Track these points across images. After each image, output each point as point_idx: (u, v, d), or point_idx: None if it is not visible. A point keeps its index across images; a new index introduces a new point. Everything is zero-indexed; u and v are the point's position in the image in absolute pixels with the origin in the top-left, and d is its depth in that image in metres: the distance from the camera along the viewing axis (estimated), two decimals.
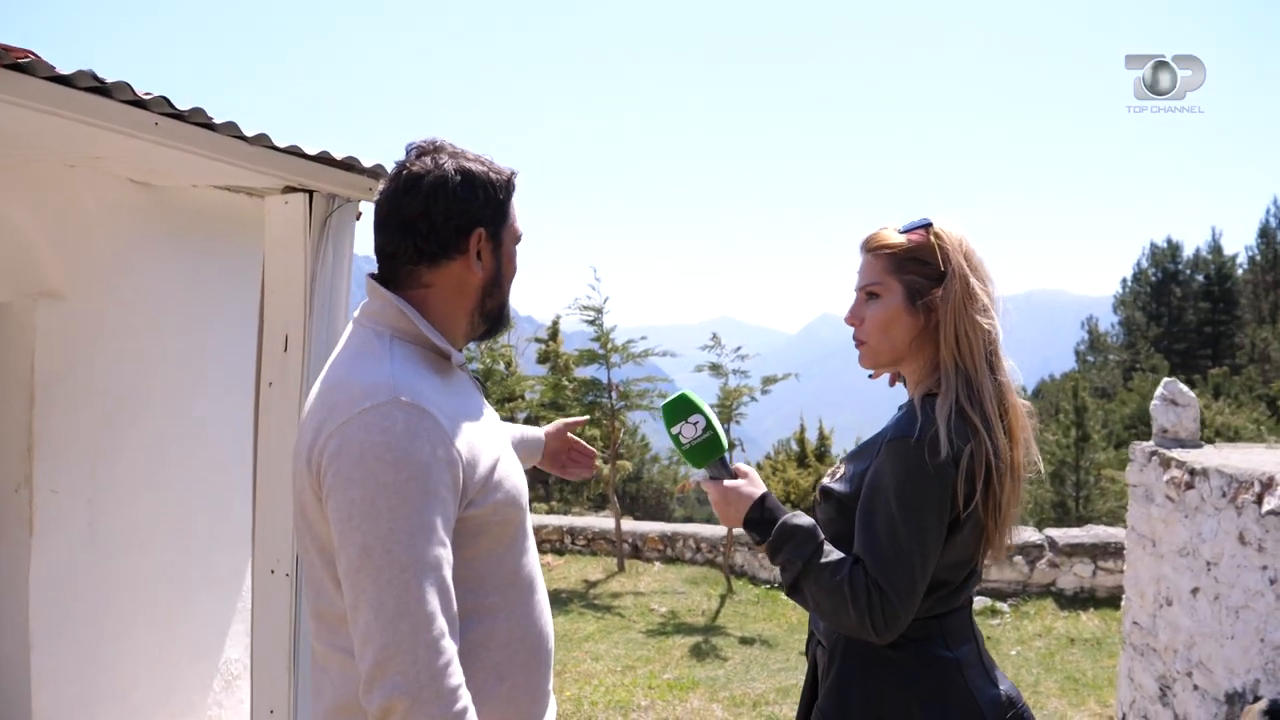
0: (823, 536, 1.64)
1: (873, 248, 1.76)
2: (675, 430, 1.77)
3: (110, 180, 3.31)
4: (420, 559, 1.28)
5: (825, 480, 1.79)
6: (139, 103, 2.37)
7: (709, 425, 1.75)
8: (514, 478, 1.53)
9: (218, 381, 3.77)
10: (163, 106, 2.41)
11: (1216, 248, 31.26)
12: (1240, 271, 30.87)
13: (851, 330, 1.81)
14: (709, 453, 1.77)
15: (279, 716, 2.86)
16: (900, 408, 1.76)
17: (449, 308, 1.54)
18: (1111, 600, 7.51)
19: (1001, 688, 1.68)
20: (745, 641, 7.10)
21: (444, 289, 1.53)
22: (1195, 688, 3.62)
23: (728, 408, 9.14)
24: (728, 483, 1.75)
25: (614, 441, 10.02)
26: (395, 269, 1.52)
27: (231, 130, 2.60)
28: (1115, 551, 7.70)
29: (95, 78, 2.20)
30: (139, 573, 3.47)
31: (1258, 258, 30.48)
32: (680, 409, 1.77)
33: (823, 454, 18.70)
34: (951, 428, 1.57)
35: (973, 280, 1.67)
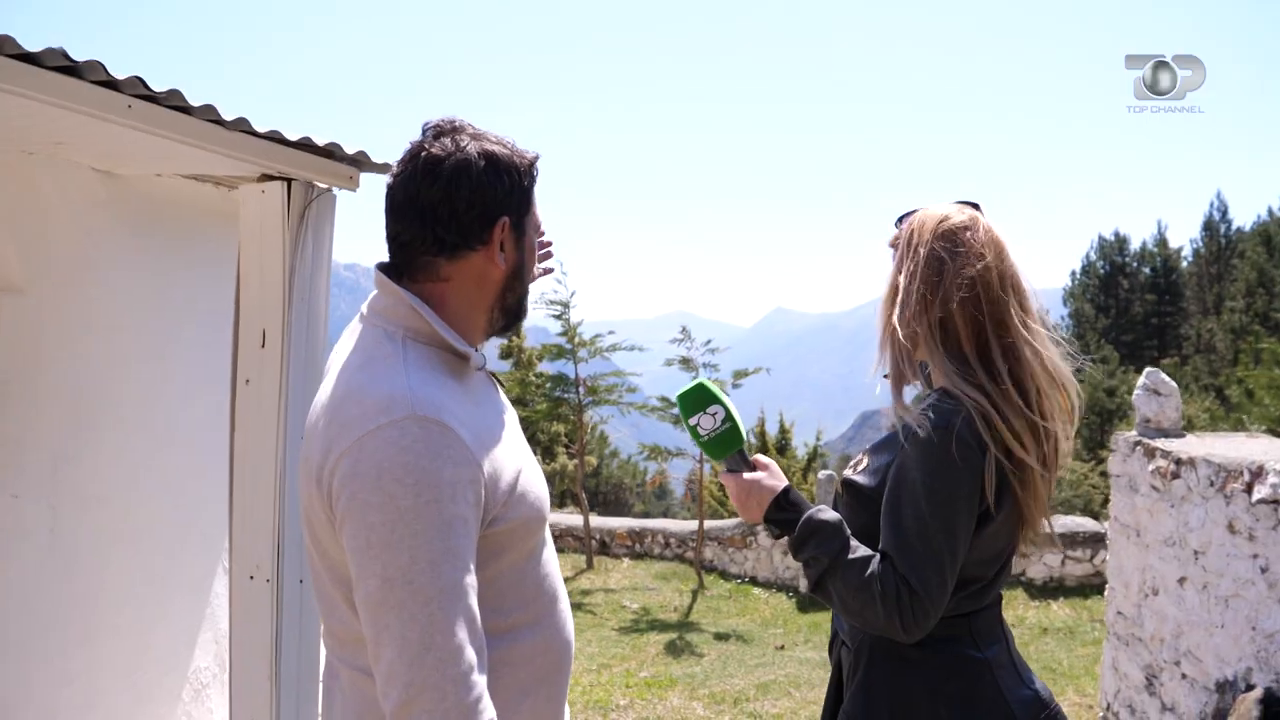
0: (848, 532, 1.57)
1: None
2: (693, 421, 1.68)
3: (71, 169, 3.14)
4: (445, 588, 1.19)
5: (847, 473, 1.73)
6: (111, 84, 2.24)
7: (729, 416, 1.67)
8: (536, 488, 1.43)
9: (187, 380, 3.62)
10: (137, 88, 2.28)
11: (1162, 240, 31.92)
12: (1185, 264, 31.57)
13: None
14: (728, 445, 1.69)
15: None
16: (925, 398, 1.70)
17: (467, 302, 1.42)
18: (1081, 589, 7.59)
19: (1034, 688, 1.63)
20: (720, 637, 7.06)
21: (463, 282, 1.41)
22: (1184, 677, 3.62)
23: None
24: (748, 475, 1.68)
25: (581, 437, 9.93)
26: (410, 259, 1.40)
27: (209, 114, 2.47)
28: (1083, 541, 7.78)
29: (66, 56, 2.08)
30: (105, 580, 3.31)
31: (1202, 250, 31.18)
32: (698, 399, 1.68)
33: (784, 446, 18.76)
34: (975, 416, 1.52)
35: (904, 267, 1.64)
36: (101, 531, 3.29)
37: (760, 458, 1.72)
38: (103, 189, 3.28)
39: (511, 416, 1.53)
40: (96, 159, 3.13)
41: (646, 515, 21.30)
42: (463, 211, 1.36)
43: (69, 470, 3.18)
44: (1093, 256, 32.75)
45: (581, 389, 9.64)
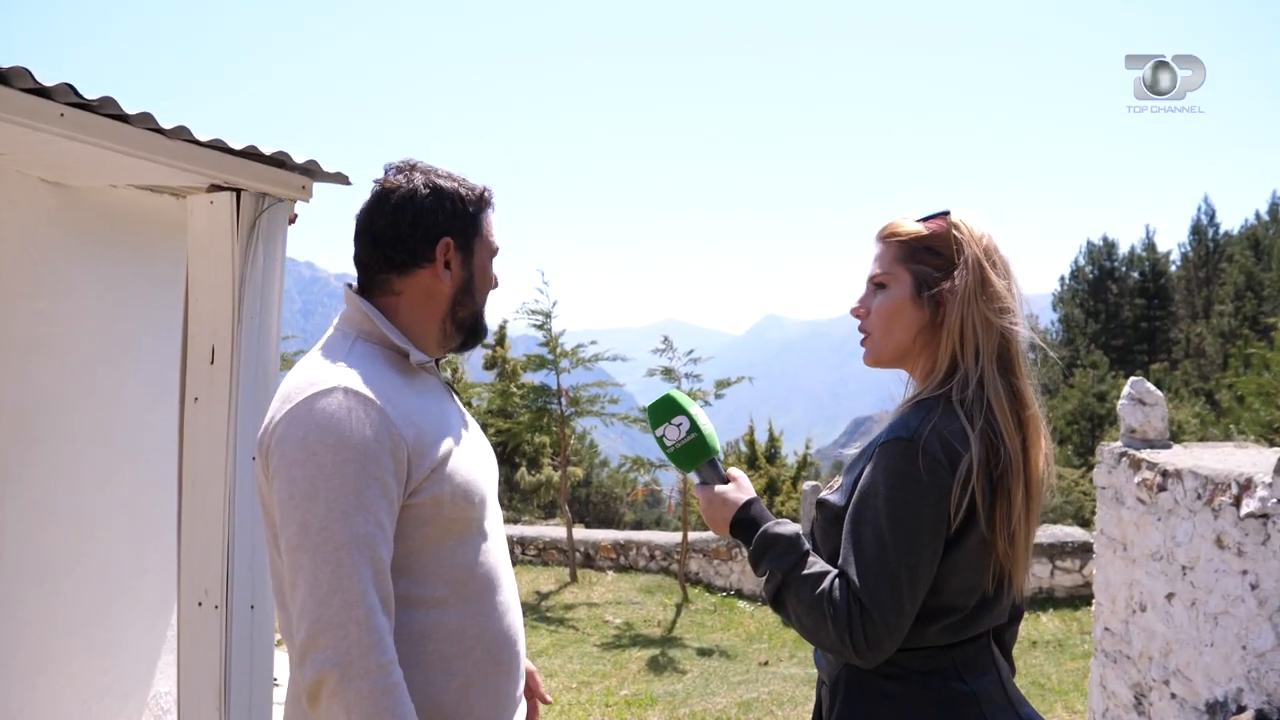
0: (807, 546, 1.49)
1: (885, 236, 1.62)
2: (659, 433, 1.66)
3: (18, 180, 3.04)
4: (356, 538, 1.32)
5: (823, 492, 1.63)
6: (41, 91, 2.13)
7: (694, 427, 1.63)
8: (471, 474, 1.54)
9: (143, 395, 3.50)
10: (68, 95, 2.18)
11: (1150, 245, 31.98)
12: (1173, 268, 31.62)
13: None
14: (695, 456, 1.65)
15: None
16: (900, 408, 1.59)
17: (419, 314, 1.60)
18: (1070, 601, 7.49)
19: None
20: (703, 653, 6.94)
21: (413, 296, 1.59)
22: (1173, 696, 3.52)
23: None
24: (716, 488, 1.62)
25: (564, 448, 9.81)
26: (369, 278, 1.60)
27: (147, 123, 2.37)
28: (1072, 551, 7.69)
29: None
30: (54, 605, 3.19)
31: (1190, 254, 31.25)
32: (665, 410, 1.66)
33: (773, 455, 18.64)
34: (951, 430, 1.43)
35: (990, 274, 1.52)
36: (54, 552, 3.18)
37: (732, 470, 1.67)
38: (53, 201, 3.18)
39: (461, 415, 1.66)
40: (45, 170, 3.02)
41: (638, 525, 21.13)
42: (407, 233, 1.56)
43: (15, 491, 3.06)
44: (1081, 261, 32.79)
45: (564, 399, 9.51)
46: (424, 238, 1.56)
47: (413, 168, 1.61)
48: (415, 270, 1.57)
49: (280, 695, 2.99)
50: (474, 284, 1.63)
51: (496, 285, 1.71)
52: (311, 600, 1.30)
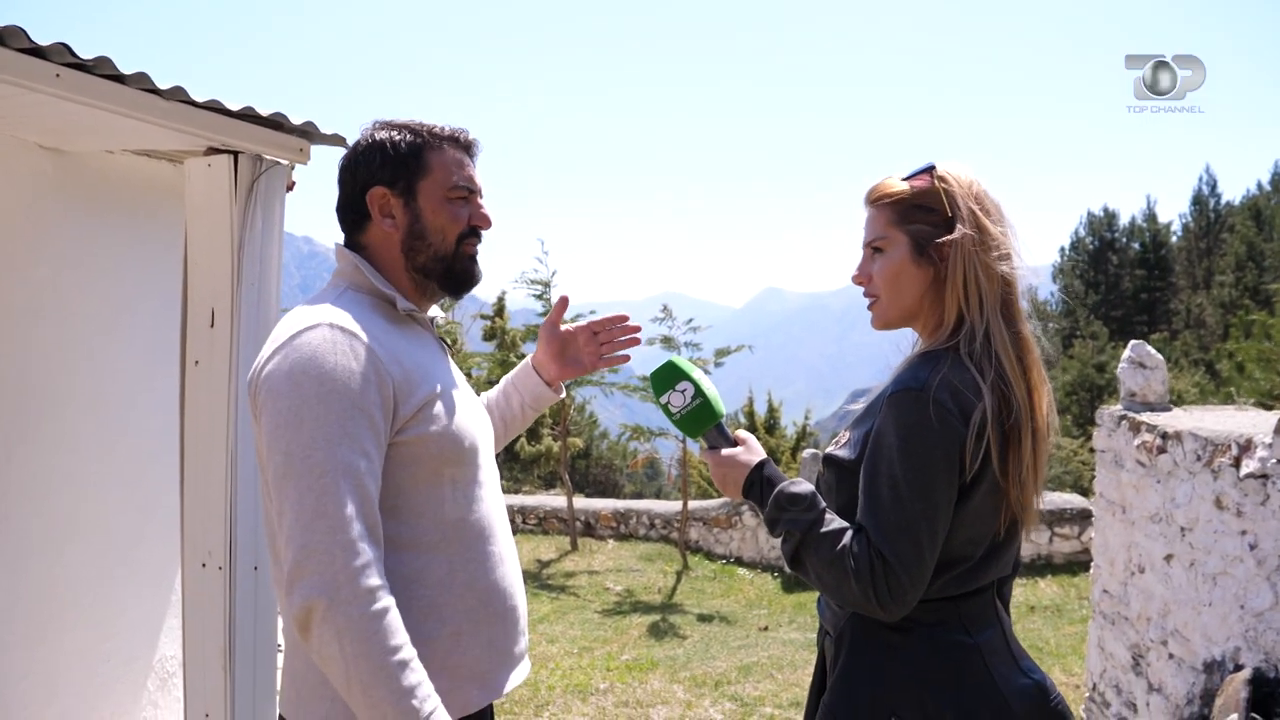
0: (823, 505, 1.49)
1: (875, 199, 1.61)
2: (664, 400, 1.67)
3: (14, 145, 3.02)
4: (339, 465, 1.33)
5: (829, 448, 1.64)
6: (37, 51, 2.11)
7: (699, 392, 1.64)
8: (461, 421, 1.56)
9: (143, 363, 3.50)
10: (64, 56, 2.16)
11: (1151, 215, 31.84)
12: (1174, 239, 31.52)
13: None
14: (702, 421, 1.65)
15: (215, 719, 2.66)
16: (906, 361, 1.60)
17: (384, 265, 1.62)
18: (1069, 566, 7.53)
19: (1034, 677, 1.53)
20: (704, 619, 6.99)
21: (374, 248, 1.62)
22: (1171, 656, 3.55)
23: None
24: (725, 451, 1.63)
25: (564, 418, 9.83)
26: (345, 235, 1.65)
27: (143, 83, 2.35)
28: (1071, 518, 7.72)
29: None
30: (55, 575, 3.20)
31: (1191, 225, 31.14)
32: (668, 377, 1.67)
33: (773, 426, 18.67)
34: (962, 380, 1.43)
35: (986, 223, 1.52)
36: (51, 525, 3.19)
37: (740, 433, 1.67)
38: (50, 166, 3.16)
39: (452, 370, 1.67)
40: (41, 135, 3.00)
41: (639, 496, 21.23)
42: (346, 190, 1.62)
43: (15, 462, 3.06)
44: (1081, 232, 32.66)
45: None
46: (360, 190, 1.58)
47: (376, 124, 1.62)
48: (365, 225, 1.60)
49: (282, 660, 3.02)
50: (424, 225, 1.59)
51: (479, 224, 1.65)
52: (297, 527, 1.30)
